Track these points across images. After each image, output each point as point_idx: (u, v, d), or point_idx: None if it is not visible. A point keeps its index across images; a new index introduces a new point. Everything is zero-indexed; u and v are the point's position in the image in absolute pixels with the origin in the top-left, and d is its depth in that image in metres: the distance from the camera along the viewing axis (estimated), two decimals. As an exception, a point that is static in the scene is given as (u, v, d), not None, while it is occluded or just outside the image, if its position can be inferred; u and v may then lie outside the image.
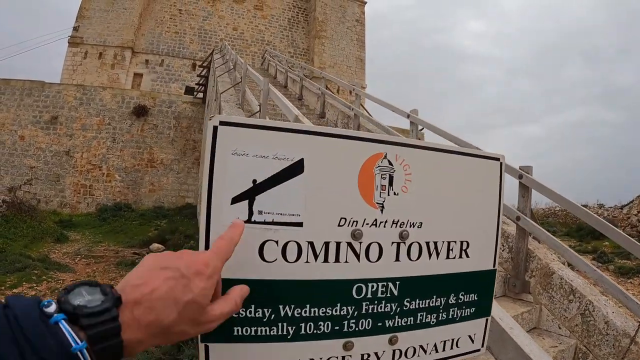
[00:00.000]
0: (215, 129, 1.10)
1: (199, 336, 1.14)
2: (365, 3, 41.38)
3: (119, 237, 15.89)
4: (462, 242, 1.51)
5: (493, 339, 1.90)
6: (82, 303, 0.65)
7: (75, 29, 31.71)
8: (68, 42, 31.54)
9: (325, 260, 1.24)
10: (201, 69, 25.52)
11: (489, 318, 1.62)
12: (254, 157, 1.14)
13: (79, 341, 0.60)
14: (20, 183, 22.48)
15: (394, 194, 1.34)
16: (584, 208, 5.11)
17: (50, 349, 0.58)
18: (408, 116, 8.01)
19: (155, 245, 13.41)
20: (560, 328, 4.80)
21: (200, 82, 25.95)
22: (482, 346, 1.62)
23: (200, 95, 26.49)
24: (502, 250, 5.67)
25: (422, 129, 7.92)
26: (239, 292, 0.97)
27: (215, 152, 1.09)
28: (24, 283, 8.75)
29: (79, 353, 0.59)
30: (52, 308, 0.62)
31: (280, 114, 9.25)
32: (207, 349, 1.17)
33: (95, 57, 31.43)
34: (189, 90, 29.50)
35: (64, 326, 0.60)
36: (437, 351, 1.50)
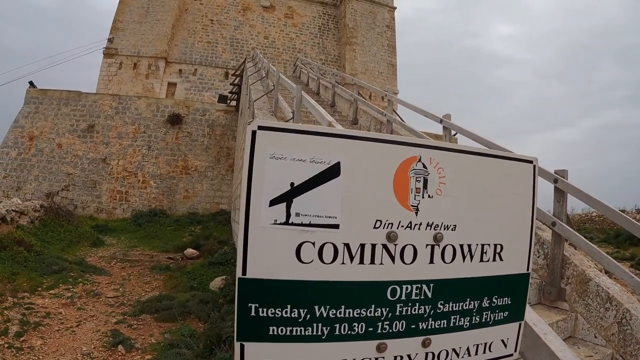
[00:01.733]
0: (254, 133, 1.15)
1: (235, 334, 1.22)
2: (395, 8, 41.33)
3: (154, 242, 15.95)
4: (495, 245, 1.53)
5: (526, 345, 1.85)
6: None
7: (109, 40, 32.35)
8: (103, 54, 32.18)
9: (361, 262, 1.28)
10: (234, 77, 25.69)
11: (523, 322, 1.63)
12: (291, 160, 1.18)
13: None
14: (58, 189, 22.90)
15: (429, 196, 1.37)
16: (622, 213, 4.82)
17: None
18: (441, 121, 7.90)
19: (189, 251, 13.37)
20: (596, 337, 4.60)
21: (234, 90, 26.15)
22: (515, 351, 1.63)
23: (234, 103, 26.78)
24: (538, 257, 5.50)
25: (456, 134, 7.76)
26: None
27: (254, 156, 1.14)
28: (61, 284, 8.77)
29: None
30: None
31: (313, 121, 9.26)
32: (242, 347, 1.22)
33: (130, 68, 31.96)
34: (222, 99, 29.72)
35: None
36: (469, 355, 1.51)
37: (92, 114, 24.84)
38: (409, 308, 1.35)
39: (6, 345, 6.03)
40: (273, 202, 1.16)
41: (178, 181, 24.19)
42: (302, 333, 1.23)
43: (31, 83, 25.95)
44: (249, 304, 1.20)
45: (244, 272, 1.18)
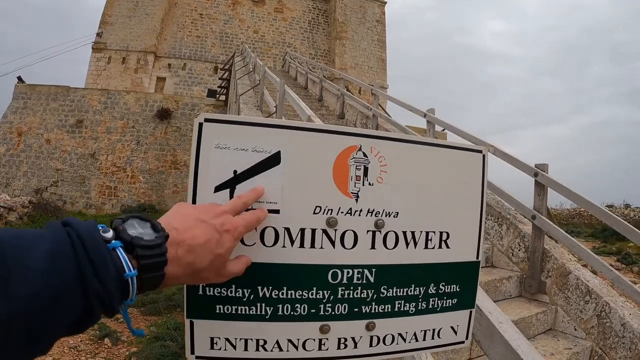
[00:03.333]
0: (200, 125, 1.18)
1: (185, 311, 1.23)
2: (385, 3, 41.29)
3: (143, 236, 16.01)
4: (441, 233, 1.53)
5: (482, 333, 1.90)
6: (138, 234, 0.71)
7: (98, 35, 32.26)
8: (92, 48, 32.13)
9: (301, 245, 1.30)
10: (223, 71, 25.69)
11: (473, 310, 1.63)
12: (234, 150, 1.21)
13: (132, 268, 0.67)
14: (47, 185, 22.94)
15: (369, 184, 1.38)
16: (603, 207, 4.95)
17: (109, 273, 0.63)
18: (425, 115, 8.01)
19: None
20: (576, 330, 4.72)
21: (222, 84, 26.07)
22: (467, 338, 1.62)
23: (223, 97, 26.65)
24: (518, 250, 5.60)
25: (444, 129, 7.87)
26: (245, 260, 1.09)
27: (200, 146, 1.17)
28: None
29: (129, 279, 0.66)
30: (110, 234, 0.68)
31: (296, 114, 9.32)
32: (192, 324, 1.24)
33: (119, 62, 31.92)
34: (212, 93, 29.78)
35: (121, 253, 0.67)
36: (417, 340, 1.52)
37: (81, 109, 24.82)
38: (351, 292, 1.38)
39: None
40: (217, 189, 1.20)
41: (167, 176, 24.24)
42: (247, 312, 1.27)
43: (19, 78, 25.81)
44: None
45: None
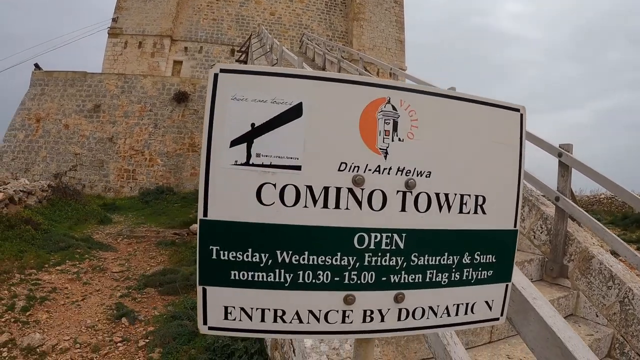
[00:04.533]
0: (215, 76, 1.14)
1: (197, 277, 1.19)
2: None
3: (161, 218, 16.05)
4: (477, 197, 1.42)
5: (514, 309, 1.76)
6: None
7: (114, 20, 32.23)
8: (108, 33, 32.12)
9: (325, 206, 1.23)
10: (240, 54, 25.56)
11: (510, 284, 1.52)
12: (252, 101, 1.16)
13: None
14: (66, 169, 23.08)
15: (399, 140, 1.30)
16: (626, 189, 4.76)
17: None
18: None
19: (195, 226, 13.41)
20: (597, 316, 4.55)
21: (239, 66, 25.92)
22: (502, 315, 1.52)
23: (239, 80, 26.44)
24: (540, 233, 5.43)
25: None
26: None
27: (216, 98, 1.14)
28: (67, 261, 8.88)
29: None
30: None
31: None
32: (204, 291, 1.20)
33: (135, 47, 31.90)
34: (228, 76, 29.52)
35: None
36: (449, 315, 1.43)
37: (98, 94, 24.87)
38: (379, 259, 1.29)
39: (12, 320, 6.15)
40: (234, 143, 1.16)
41: (185, 159, 24.23)
42: (264, 279, 1.21)
43: (36, 65, 25.98)
44: (210, 247, 1.18)
45: (205, 213, 1.17)
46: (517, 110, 1.49)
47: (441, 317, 1.42)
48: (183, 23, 33.79)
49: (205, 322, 1.22)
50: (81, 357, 5.47)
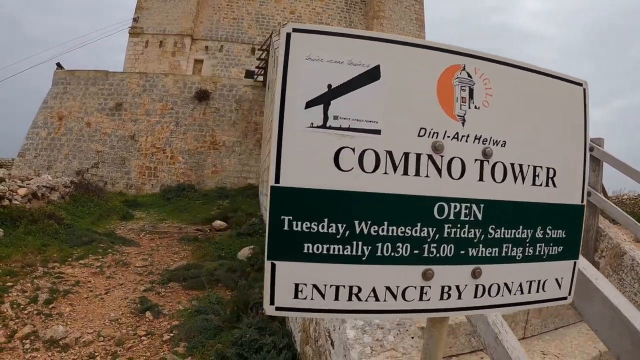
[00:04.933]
0: (288, 35, 1.08)
1: (265, 252, 1.10)
2: None
3: (183, 215, 16.00)
4: (548, 169, 1.40)
5: (576, 292, 1.65)
6: None
7: (134, 19, 32.46)
8: (129, 33, 32.39)
9: (405, 172, 1.17)
10: (261, 52, 25.48)
11: (577, 261, 1.49)
12: (328, 62, 1.10)
13: None
14: (88, 167, 23.25)
15: (475, 107, 1.26)
16: None
17: None
18: None
19: (217, 223, 13.35)
20: None
21: (260, 65, 25.97)
22: (569, 294, 1.50)
23: (261, 78, 26.58)
24: None
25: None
26: None
27: (289, 58, 1.07)
28: (90, 255, 8.80)
29: None
30: None
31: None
32: (273, 267, 1.11)
33: (156, 46, 32.07)
34: (250, 74, 29.60)
35: None
36: (522, 292, 1.38)
37: (120, 93, 25.01)
38: (458, 230, 1.22)
39: (35, 312, 6.06)
40: (309, 104, 1.08)
41: (206, 156, 24.25)
42: (341, 252, 1.11)
43: (58, 64, 26.21)
44: (282, 217, 1.08)
45: (277, 179, 1.08)
46: (580, 84, 1.47)
47: (514, 294, 1.36)
48: (203, 22, 33.91)
49: (272, 302, 1.12)
50: (104, 350, 5.34)
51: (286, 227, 1.08)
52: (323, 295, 1.13)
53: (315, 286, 1.12)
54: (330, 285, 1.13)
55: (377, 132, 1.13)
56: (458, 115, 1.23)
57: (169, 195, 20.71)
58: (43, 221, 9.86)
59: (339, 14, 37.83)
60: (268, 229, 1.09)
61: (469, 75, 1.24)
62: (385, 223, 1.14)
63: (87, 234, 10.18)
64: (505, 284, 1.34)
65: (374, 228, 1.13)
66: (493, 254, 1.29)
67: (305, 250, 1.10)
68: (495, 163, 1.28)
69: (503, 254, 1.31)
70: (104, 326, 5.90)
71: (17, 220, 9.46)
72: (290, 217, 1.08)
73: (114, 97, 24.85)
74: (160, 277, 7.99)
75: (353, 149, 1.11)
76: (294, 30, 1.08)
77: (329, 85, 1.09)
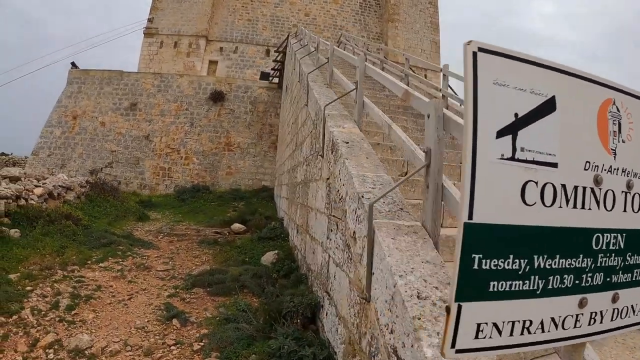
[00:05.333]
0: (474, 55, 1.06)
1: (453, 294, 1.06)
2: None
3: (199, 216, 15.73)
4: None
5: None
6: None
7: (149, 20, 32.35)
8: (143, 33, 32.31)
9: (574, 206, 1.21)
10: (277, 54, 25.29)
11: None
12: (514, 89, 1.09)
13: None
14: (102, 166, 23.26)
15: (622, 141, 1.31)
16: None
17: None
18: None
19: (236, 226, 13.04)
20: None
21: (276, 67, 25.81)
22: None
23: (276, 80, 26.47)
24: None
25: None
26: None
27: (478, 81, 1.04)
28: (110, 258, 8.51)
29: None
30: None
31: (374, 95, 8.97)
32: (459, 309, 1.07)
33: (171, 47, 31.91)
34: (264, 76, 29.44)
35: None
36: None
37: (135, 93, 25.05)
38: (607, 259, 1.28)
39: (57, 319, 5.74)
40: (500, 134, 1.05)
41: (221, 157, 24.16)
42: (520, 288, 1.11)
43: (73, 64, 26.20)
44: (473, 255, 1.03)
45: (470, 215, 1.03)
46: None
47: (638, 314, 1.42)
48: (218, 23, 33.77)
49: (453, 345, 1.06)
50: (133, 361, 5.01)
51: (476, 266, 1.05)
52: (500, 332, 1.12)
53: (495, 324, 1.10)
54: (508, 322, 1.12)
55: (555, 165, 1.15)
56: (611, 149, 1.28)
57: (184, 196, 20.50)
58: (60, 222, 9.58)
59: (354, 16, 37.72)
60: (458, 269, 1.04)
61: (618, 110, 1.29)
62: (557, 256, 1.17)
63: (105, 235, 9.89)
64: (632, 306, 1.41)
65: (549, 262, 1.16)
66: (629, 279, 1.36)
67: (491, 289, 1.08)
68: (635, 194, 1.34)
69: (635, 279, 1.38)
70: (131, 334, 5.56)
71: (33, 221, 9.18)
72: (481, 255, 1.06)
73: (129, 97, 24.90)
74: (183, 282, 7.67)
75: (536, 183, 1.12)
76: (480, 49, 1.05)
77: (516, 114, 1.07)
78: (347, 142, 5.42)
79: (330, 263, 5.26)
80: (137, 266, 8.27)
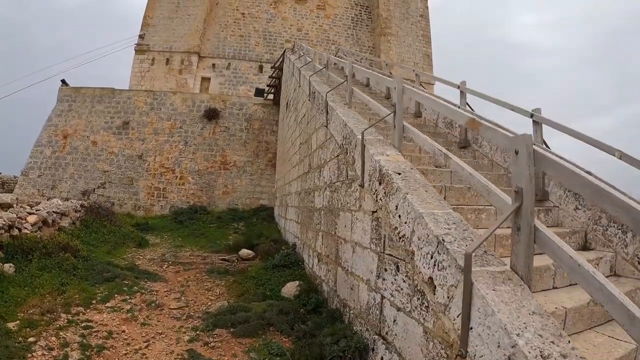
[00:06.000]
0: None
1: None
2: None
3: (201, 241, 14.89)
4: None
5: None
6: None
7: (140, 37, 31.73)
8: (134, 50, 31.60)
9: None
10: (273, 70, 24.71)
11: None
12: None
13: None
14: (94, 187, 22.49)
15: None
16: None
17: None
18: (532, 116, 7.37)
19: (244, 252, 12.18)
20: None
21: (271, 83, 25.16)
22: None
23: (271, 96, 25.83)
24: None
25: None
26: None
27: None
28: (116, 295, 7.65)
29: None
30: None
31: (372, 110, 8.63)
32: None
33: (163, 63, 31.24)
34: (259, 92, 28.89)
35: None
36: None
37: (127, 111, 24.32)
38: None
39: (68, 376, 4.91)
40: None
41: (217, 177, 23.49)
42: None
43: (63, 81, 25.38)
44: None
45: None
46: None
47: None
48: (210, 39, 33.25)
49: None
50: None
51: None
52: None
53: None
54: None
55: None
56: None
57: (181, 217, 19.63)
58: (58, 254, 8.70)
59: (346, 31, 37.62)
60: None
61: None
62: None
63: (107, 268, 9.01)
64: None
65: None
66: None
67: None
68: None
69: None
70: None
71: (29, 253, 8.32)
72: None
73: (121, 116, 24.16)
74: (202, 321, 6.82)
75: None
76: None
77: None
78: (400, 173, 4.75)
79: (386, 305, 4.59)
80: (147, 304, 7.42)
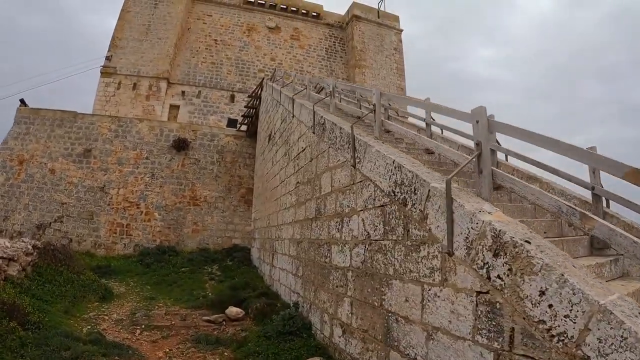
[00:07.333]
0: None
1: None
2: (402, 31, 41.23)
3: (174, 291, 13.04)
4: None
5: None
6: None
7: (107, 58, 30.13)
8: (100, 72, 29.93)
9: None
10: (249, 99, 23.37)
11: None
12: None
13: None
14: (50, 220, 20.44)
15: None
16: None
17: None
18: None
19: (233, 310, 10.24)
20: None
21: (246, 113, 23.86)
22: None
23: (244, 127, 24.52)
24: None
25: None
26: None
27: None
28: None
29: None
30: None
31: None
32: None
33: (129, 88, 29.68)
34: (232, 123, 27.53)
35: None
36: None
37: (89, 137, 22.53)
38: None
39: None
40: None
41: (185, 213, 21.83)
42: None
43: (22, 101, 23.39)
44: None
45: None
46: None
47: None
48: (180, 65, 32.00)
49: None
50: None
51: None
52: None
53: None
54: None
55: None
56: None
57: (148, 259, 17.82)
58: (1, 324, 6.85)
59: (320, 62, 37.33)
60: None
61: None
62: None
63: (66, 343, 6.98)
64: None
65: None
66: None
67: None
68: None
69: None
70: None
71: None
72: None
73: (82, 142, 22.36)
74: None
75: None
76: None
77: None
78: (529, 242, 3.41)
79: None
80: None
